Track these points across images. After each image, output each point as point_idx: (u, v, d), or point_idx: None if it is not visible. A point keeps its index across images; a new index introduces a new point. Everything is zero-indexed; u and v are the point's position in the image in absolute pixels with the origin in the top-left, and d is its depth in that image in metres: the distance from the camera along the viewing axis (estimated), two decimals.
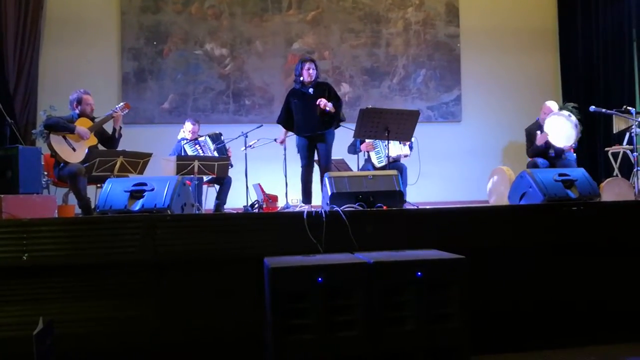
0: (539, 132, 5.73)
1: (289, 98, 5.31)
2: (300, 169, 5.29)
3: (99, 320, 2.79)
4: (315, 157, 5.32)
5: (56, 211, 4.69)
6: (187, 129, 6.19)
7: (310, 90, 5.17)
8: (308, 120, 5.15)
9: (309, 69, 5.15)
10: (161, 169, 5.40)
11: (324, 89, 5.23)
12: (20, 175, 4.54)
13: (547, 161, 5.70)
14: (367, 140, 5.53)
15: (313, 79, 5.16)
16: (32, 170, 4.72)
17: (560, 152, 5.66)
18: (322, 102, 5.02)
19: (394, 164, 5.43)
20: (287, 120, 5.30)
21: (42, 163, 5.12)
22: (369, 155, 5.73)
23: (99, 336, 2.77)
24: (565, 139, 5.55)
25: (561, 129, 5.58)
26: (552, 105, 5.95)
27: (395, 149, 5.59)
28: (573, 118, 5.62)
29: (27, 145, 6.04)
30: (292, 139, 5.47)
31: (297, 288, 2.44)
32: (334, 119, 5.20)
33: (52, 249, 2.75)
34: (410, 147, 5.71)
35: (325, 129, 5.18)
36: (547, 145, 5.65)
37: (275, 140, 5.80)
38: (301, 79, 5.17)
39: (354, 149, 5.79)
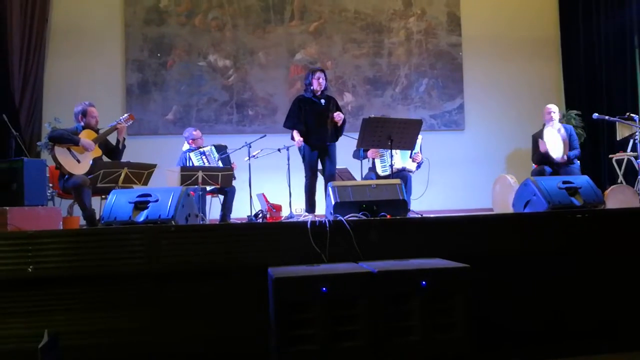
0: (540, 139, 5.77)
1: (299, 104, 5.29)
2: (303, 179, 5.30)
3: (104, 331, 2.78)
4: (319, 167, 5.33)
5: (61, 223, 4.71)
6: (192, 137, 6.22)
7: (322, 101, 5.25)
8: (319, 131, 5.19)
9: (319, 79, 5.24)
10: (165, 179, 5.42)
11: (333, 103, 5.37)
12: (26, 187, 4.56)
13: (551, 169, 5.71)
14: None
15: (323, 88, 5.25)
16: (37, 183, 4.74)
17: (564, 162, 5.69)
18: (339, 116, 5.21)
19: (399, 173, 5.44)
20: (299, 125, 5.23)
21: (47, 175, 5.15)
22: (373, 164, 5.73)
23: (105, 348, 2.77)
24: (556, 151, 5.61)
25: (554, 141, 5.67)
26: (552, 107, 5.97)
27: (403, 161, 5.59)
28: (562, 131, 5.68)
29: (32, 158, 6.08)
30: (294, 148, 5.47)
31: (301, 298, 2.44)
32: (340, 133, 5.37)
33: (57, 260, 2.75)
34: (418, 166, 5.71)
35: (334, 141, 5.30)
36: (547, 155, 5.71)
37: (279, 150, 5.80)
38: (311, 88, 5.24)
39: (358, 155, 5.79)
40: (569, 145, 5.70)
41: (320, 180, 5.37)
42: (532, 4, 8.41)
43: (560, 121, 7.32)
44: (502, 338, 2.99)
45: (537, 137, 5.92)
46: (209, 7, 7.83)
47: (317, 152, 5.24)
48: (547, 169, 5.70)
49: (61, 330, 2.67)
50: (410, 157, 5.64)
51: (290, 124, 5.31)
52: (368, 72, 8.08)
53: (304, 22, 8.01)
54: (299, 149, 5.32)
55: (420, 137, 5.69)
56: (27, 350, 2.53)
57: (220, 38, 7.84)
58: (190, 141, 6.25)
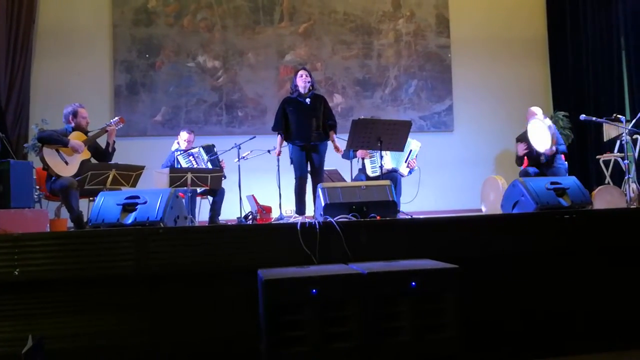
0: (519, 142, 5.84)
1: (284, 106, 5.29)
2: (293, 180, 5.28)
3: (91, 335, 2.76)
4: (308, 168, 5.32)
5: (48, 225, 4.67)
6: (182, 138, 6.17)
7: (307, 100, 5.22)
8: (304, 130, 5.16)
9: (302, 76, 5.24)
10: (154, 181, 5.38)
11: (320, 102, 5.30)
12: (12, 189, 4.52)
13: (537, 169, 5.75)
14: None
15: (307, 85, 5.21)
16: (23, 185, 4.71)
17: (549, 157, 5.70)
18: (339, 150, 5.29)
19: (389, 174, 5.44)
20: (284, 128, 5.25)
21: (34, 177, 5.10)
22: (363, 165, 5.74)
23: (92, 351, 2.74)
24: (542, 143, 5.60)
25: (540, 133, 5.64)
26: (536, 109, 6.01)
27: (393, 163, 5.60)
28: (547, 121, 5.69)
29: (19, 160, 6.02)
30: (285, 149, 5.47)
31: (291, 300, 2.43)
32: (328, 132, 5.30)
33: (43, 263, 2.73)
34: (410, 172, 5.73)
35: (320, 140, 5.22)
36: (531, 152, 5.73)
37: (269, 151, 5.80)
38: (297, 88, 5.23)
39: (348, 155, 5.79)
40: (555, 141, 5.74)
41: (309, 182, 5.35)
42: (520, 6, 8.47)
43: None
44: (492, 338, 3.01)
45: (521, 139, 5.97)
46: (197, 7, 7.80)
47: (305, 152, 5.21)
48: (531, 170, 5.73)
49: (48, 334, 2.64)
50: (406, 161, 5.66)
51: (276, 127, 5.33)
52: (357, 74, 8.10)
53: (294, 23, 8.00)
54: (289, 149, 5.30)
55: (419, 144, 5.74)
56: (13, 355, 2.50)
57: (209, 39, 7.81)
58: (178, 139, 6.20)
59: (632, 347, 3.09)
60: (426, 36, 8.24)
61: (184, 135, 6.18)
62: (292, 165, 5.30)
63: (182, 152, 6.09)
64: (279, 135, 5.31)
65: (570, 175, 4.34)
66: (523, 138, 5.87)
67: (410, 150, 5.66)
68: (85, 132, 4.95)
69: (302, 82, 5.22)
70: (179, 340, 2.83)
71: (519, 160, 5.97)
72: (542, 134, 5.60)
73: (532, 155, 5.78)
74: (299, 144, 5.19)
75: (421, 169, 5.77)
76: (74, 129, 4.89)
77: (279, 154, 5.39)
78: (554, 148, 5.58)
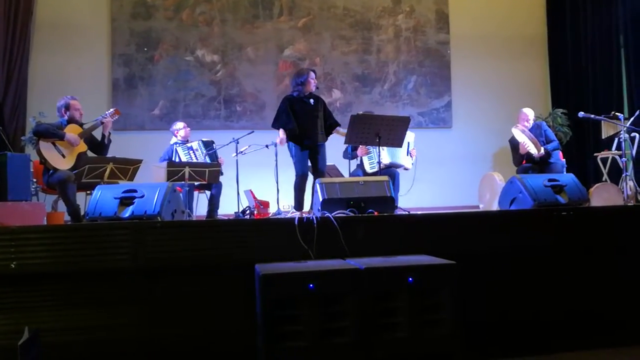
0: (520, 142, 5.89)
1: (290, 104, 5.17)
2: (291, 175, 5.26)
3: (88, 328, 2.75)
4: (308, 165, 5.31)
5: (45, 218, 4.65)
6: (179, 127, 6.18)
7: (311, 100, 5.20)
8: (310, 131, 5.12)
9: (314, 79, 5.21)
10: (152, 175, 5.37)
11: (322, 103, 5.31)
12: (9, 182, 4.51)
13: (534, 166, 5.80)
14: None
15: (314, 89, 5.23)
16: (21, 177, 4.69)
17: (544, 157, 5.77)
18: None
19: (387, 170, 5.44)
20: (290, 124, 5.10)
21: (32, 170, 5.09)
22: (361, 161, 5.74)
23: (89, 345, 2.74)
24: (531, 148, 5.77)
25: (524, 141, 5.77)
26: (528, 112, 6.04)
27: (390, 158, 5.59)
28: (527, 132, 5.82)
29: (16, 152, 6.00)
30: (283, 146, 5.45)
31: (288, 295, 2.43)
32: (329, 133, 5.33)
33: (40, 256, 2.72)
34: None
35: (323, 141, 5.24)
36: (528, 155, 5.80)
37: (267, 146, 5.77)
38: (304, 87, 5.14)
39: (347, 155, 5.78)
40: (544, 139, 5.80)
41: (309, 179, 5.32)
42: (520, 3, 8.46)
43: (546, 119, 7.44)
44: (489, 334, 3.01)
45: (514, 141, 6.01)
46: (196, 1, 7.76)
47: (308, 152, 5.18)
48: (528, 166, 5.80)
49: (44, 327, 2.64)
50: (408, 153, 5.66)
51: (281, 123, 5.15)
52: (357, 69, 8.08)
53: (293, 17, 7.98)
54: (289, 148, 5.24)
55: (412, 134, 5.74)
56: (9, 347, 2.50)
57: (208, 33, 7.78)
58: (176, 132, 6.20)
59: (629, 344, 3.10)
60: (426, 32, 8.22)
61: (179, 125, 6.19)
62: (290, 160, 5.27)
63: (181, 143, 6.08)
64: (282, 129, 5.13)
65: (568, 172, 4.35)
66: (516, 141, 5.92)
67: (408, 142, 5.67)
68: (80, 124, 4.94)
69: (313, 83, 5.16)
70: (176, 334, 2.83)
71: (518, 160, 5.99)
72: (525, 141, 5.74)
73: (530, 156, 5.84)
74: (305, 144, 5.13)
75: (419, 164, 5.78)
76: (68, 122, 4.87)
77: (284, 143, 5.18)
78: (542, 151, 5.67)
